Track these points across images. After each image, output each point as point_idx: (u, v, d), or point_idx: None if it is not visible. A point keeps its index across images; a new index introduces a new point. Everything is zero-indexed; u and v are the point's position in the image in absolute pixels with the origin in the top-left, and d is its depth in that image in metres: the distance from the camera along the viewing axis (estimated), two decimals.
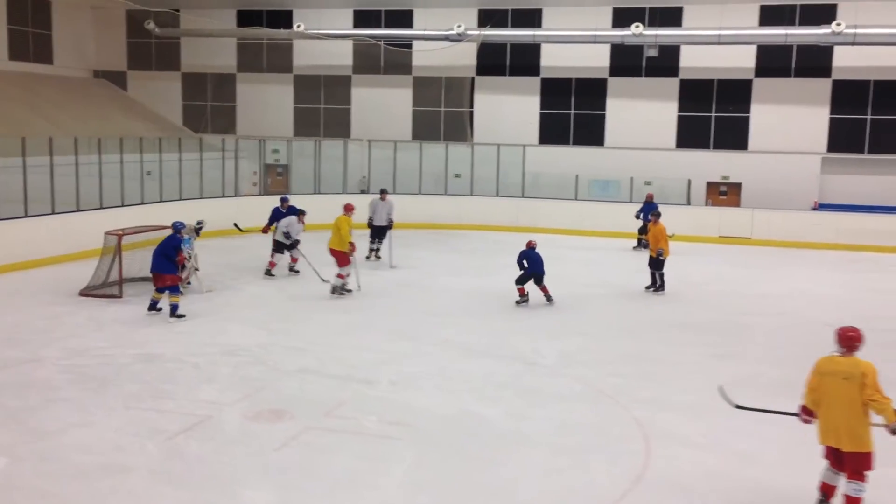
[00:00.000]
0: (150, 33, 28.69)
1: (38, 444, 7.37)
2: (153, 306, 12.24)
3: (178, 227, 12.49)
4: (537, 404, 8.80)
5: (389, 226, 17.68)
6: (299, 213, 15.78)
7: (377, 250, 17.75)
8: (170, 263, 12.01)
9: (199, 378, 9.47)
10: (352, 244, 13.52)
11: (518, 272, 13.62)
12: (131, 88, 29.62)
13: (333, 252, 13.72)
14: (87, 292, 13.48)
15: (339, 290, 13.61)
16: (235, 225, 13.38)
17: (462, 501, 6.52)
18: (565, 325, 12.47)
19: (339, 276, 13.60)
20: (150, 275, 12.29)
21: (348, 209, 14.11)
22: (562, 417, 8.42)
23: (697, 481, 6.97)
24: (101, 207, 17.55)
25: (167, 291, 12.05)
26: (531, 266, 13.55)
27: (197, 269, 14.12)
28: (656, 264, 15.00)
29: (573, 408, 8.73)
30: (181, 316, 11.98)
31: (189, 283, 13.93)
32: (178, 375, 9.51)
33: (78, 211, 17.11)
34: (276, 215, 15.97)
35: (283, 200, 16.51)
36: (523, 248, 13.79)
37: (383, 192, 18.35)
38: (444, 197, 24.27)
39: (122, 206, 18.01)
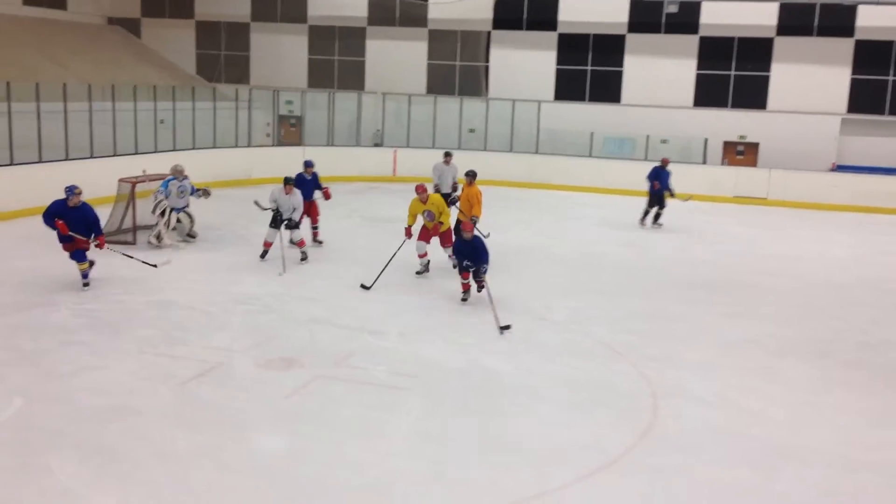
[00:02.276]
0: None
1: (52, 386, 7.47)
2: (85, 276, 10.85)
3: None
4: (547, 359, 8.83)
5: (454, 191, 15.36)
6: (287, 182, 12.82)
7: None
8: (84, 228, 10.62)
9: (212, 325, 9.55)
10: (408, 229, 12.04)
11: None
12: (145, 36, 29.42)
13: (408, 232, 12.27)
14: None
15: (423, 268, 12.42)
16: (256, 203, 12.70)
17: (469, 453, 6.58)
18: (577, 282, 12.46)
19: (420, 255, 12.37)
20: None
21: (420, 191, 12.10)
22: (571, 373, 8.45)
23: (704, 438, 7.01)
24: (115, 155, 17.55)
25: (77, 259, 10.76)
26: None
27: (169, 226, 13.49)
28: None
29: (582, 364, 8.76)
30: (86, 284, 10.79)
31: (157, 239, 13.37)
32: (190, 322, 9.59)
33: (91, 158, 17.12)
34: (300, 182, 13.67)
35: (308, 165, 14.35)
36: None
37: (448, 154, 16.11)
38: (458, 152, 24.06)
39: (136, 153, 18.00)
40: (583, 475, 6.27)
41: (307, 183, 13.97)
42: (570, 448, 6.72)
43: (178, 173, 13.51)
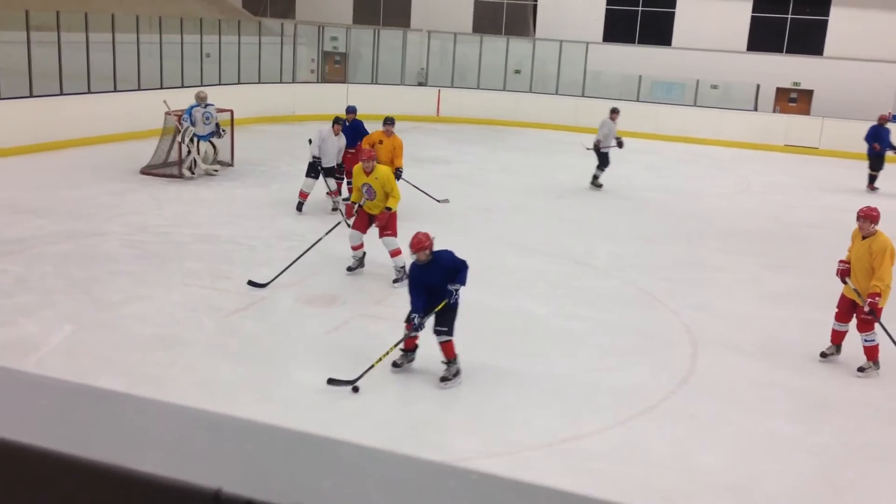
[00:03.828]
0: None
1: (101, 314, 7.66)
2: None
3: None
4: (587, 305, 8.82)
5: (620, 145, 15.12)
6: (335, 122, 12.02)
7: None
8: None
9: (255, 260, 9.67)
10: (349, 206, 9.69)
11: None
12: None
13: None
14: (147, 171, 13.72)
15: (356, 263, 9.61)
16: (310, 141, 12.00)
17: (506, 394, 6.64)
18: (620, 228, 12.35)
19: (353, 247, 9.74)
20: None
21: (365, 156, 9.22)
22: (610, 319, 8.44)
23: (743, 388, 6.98)
24: (162, 87, 17.65)
25: None
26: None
27: (190, 153, 13.42)
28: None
29: (623, 310, 8.73)
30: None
31: (190, 171, 13.41)
32: (234, 256, 9.72)
33: (139, 90, 17.24)
34: (343, 128, 12.17)
35: (349, 112, 12.71)
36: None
37: (615, 111, 15.59)
38: (503, 93, 23.83)
39: (182, 87, 18.07)
40: (619, 420, 6.29)
41: (349, 130, 12.37)
42: (607, 393, 6.74)
43: (201, 100, 13.45)
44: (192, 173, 13.54)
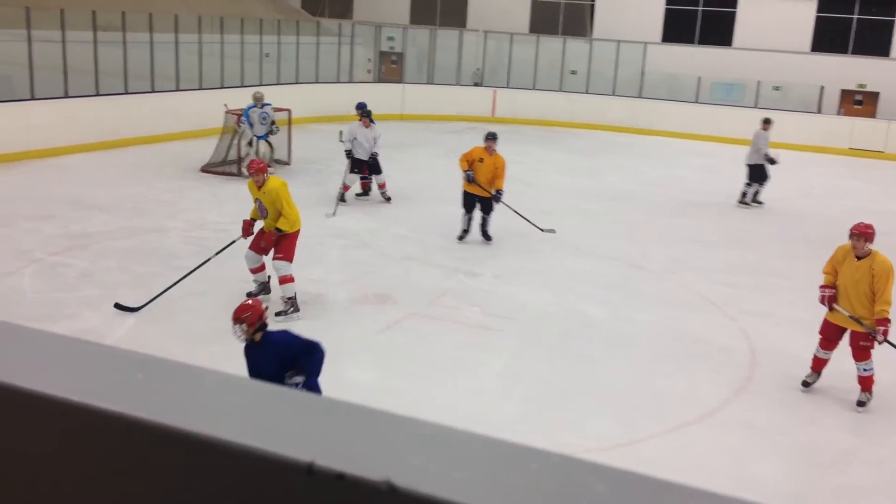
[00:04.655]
0: None
1: (161, 308, 7.83)
2: None
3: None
4: (643, 308, 8.71)
5: (772, 162, 14.07)
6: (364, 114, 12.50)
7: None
8: None
9: (309, 258, 9.76)
10: (246, 224, 8.22)
11: None
12: None
13: None
14: (207, 169, 13.98)
15: (259, 289, 8.59)
16: (341, 133, 12.56)
17: (559, 396, 6.60)
18: (677, 232, 12.16)
19: (252, 270, 8.61)
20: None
21: (253, 169, 8.21)
22: (667, 323, 8.32)
23: (801, 397, 6.82)
24: (222, 87, 17.96)
25: None
26: None
27: (258, 154, 13.58)
28: (487, 207, 10.65)
29: (679, 314, 8.60)
30: None
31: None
32: None
33: (201, 89, 17.57)
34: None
35: (360, 108, 12.99)
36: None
37: (767, 121, 14.37)
38: (559, 93, 23.68)
39: (242, 86, 18.37)
40: (673, 427, 6.20)
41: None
42: (661, 398, 6.65)
43: (257, 100, 13.69)
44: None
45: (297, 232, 8.02)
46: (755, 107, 22.25)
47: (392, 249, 10.30)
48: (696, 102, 22.92)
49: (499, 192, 10.42)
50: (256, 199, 8.04)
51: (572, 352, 7.48)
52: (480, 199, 10.52)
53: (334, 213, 11.68)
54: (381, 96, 21.09)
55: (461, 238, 10.63)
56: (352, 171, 12.36)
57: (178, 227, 10.60)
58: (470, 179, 10.35)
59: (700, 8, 25.11)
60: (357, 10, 28.88)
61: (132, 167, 14.07)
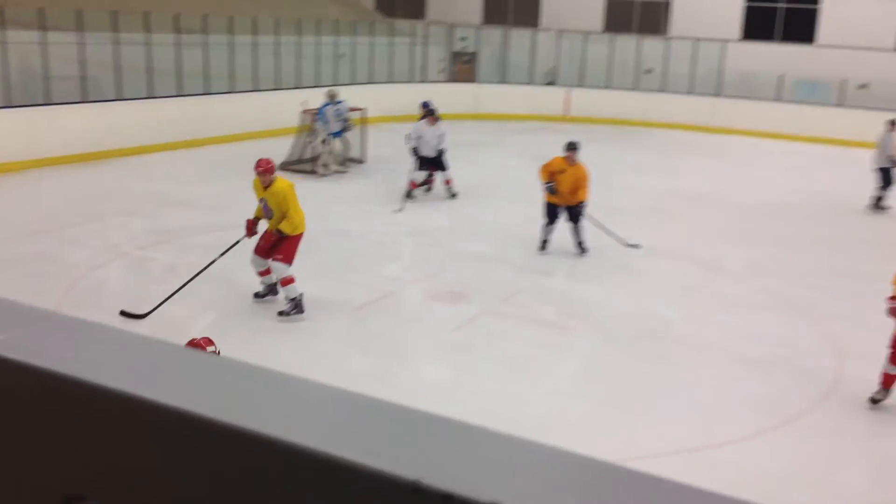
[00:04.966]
0: None
1: (240, 303, 8.01)
2: None
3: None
4: (720, 310, 8.50)
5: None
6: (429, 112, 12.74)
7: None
8: None
9: (384, 255, 9.86)
10: (250, 223, 8.10)
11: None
12: None
13: None
14: (284, 167, 14.23)
15: (265, 291, 8.37)
16: (407, 136, 12.85)
17: (634, 398, 6.49)
18: (758, 233, 11.83)
19: (259, 273, 8.37)
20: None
21: (261, 169, 7.87)
22: (745, 326, 8.10)
23: (890, 405, 6.54)
24: (299, 87, 18.26)
25: None
26: None
27: (333, 152, 14.01)
28: (574, 215, 10.07)
29: (760, 317, 8.36)
30: None
31: (324, 167, 13.93)
32: (364, 251, 9.94)
33: (278, 89, 17.91)
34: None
35: (425, 106, 13.18)
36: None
37: (894, 122, 13.64)
38: (633, 93, 23.33)
39: (317, 86, 18.64)
40: (753, 432, 6.03)
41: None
42: (741, 403, 6.48)
43: (331, 97, 13.89)
44: (326, 171, 13.98)
45: (300, 235, 7.76)
46: (840, 105, 21.54)
47: (466, 247, 10.30)
48: (778, 101, 22.28)
49: (581, 204, 9.92)
50: (261, 199, 7.78)
51: (648, 354, 7.35)
52: (567, 208, 10.01)
53: (401, 209, 11.86)
54: (454, 96, 21.13)
55: (542, 248, 10.12)
56: (418, 169, 12.57)
57: None
58: (551, 191, 9.92)
59: (781, 5, 24.41)
60: (430, 11, 28.99)
61: (212, 165, 14.42)
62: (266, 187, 7.70)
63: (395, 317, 7.95)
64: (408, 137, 12.73)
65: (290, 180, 7.95)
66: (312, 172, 13.95)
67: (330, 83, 18.94)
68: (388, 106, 20.09)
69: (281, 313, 7.66)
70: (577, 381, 6.82)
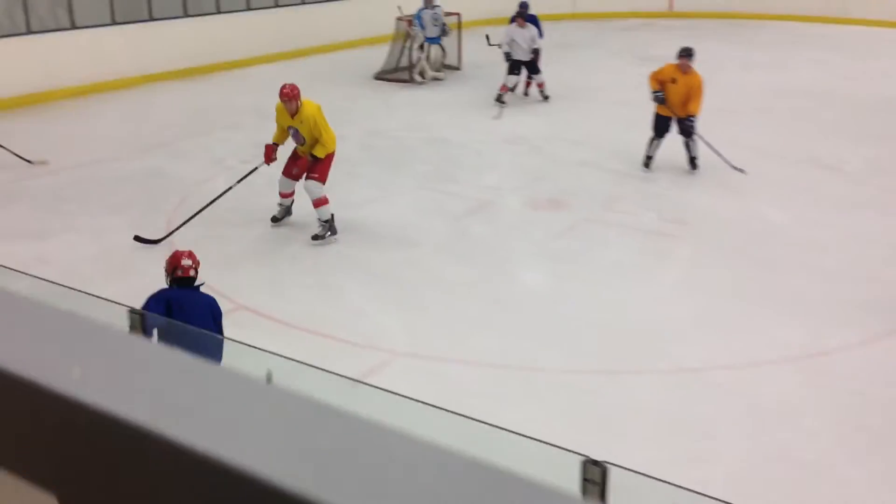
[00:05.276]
0: None
1: (343, 214, 8.10)
2: None
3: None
4: (834, 213, 8.13)
5: None
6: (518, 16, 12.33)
7: None
8: None
9: (482, 164, 9.80)
10: (269, 148, 7.74)
11: None
12: None
13: None
14: (380, 76, 14.21)
15: (282, 213, 8.09)
16: (487, 38, 12.56)
17: (740, 304, 6.34)
18: (878, 130, 11.06)
19: (283, 195, 8.08)
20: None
21: (286, 95, 7.50)
22: (861, 228, 7.73)
23: None
24: None
25: None
26: None
27: (429, 59, 13.84)
28: (687, 129, 9.19)
29: (878, 219, 7.95)
30: None
31: (421, 77, 13.78)
32: (462, 160, 9.91)
33: None
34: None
35: (522, 7, 12.65)
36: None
37: None
38: None
39: None
40: (869, 337, 5.83)
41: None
42: (856, 308, 6.24)
43: (428, 2, 13.63)
44: (423, 78, 13.86)
45: (332, 154, 7.52)
46: None
47: (564, 154, 10.13)
48: None
49: (690, 117, 9.00)
50: (290, 127, 7.46)
51: (754, 258, 7.13)
52: (678, 120, 9.16)
53: (498, 116, 11.69)
54: None
55: (646, 165, 9.32)
56: (510, 73, 12.30)
57: (353, 135, 10.89)
58: (660, 101, 9.07)
59: None
60: None
61: (310, 76, 14.46)
62: (294, 115, 7.35)
63: (494, 226, 7.95)
64: (488, 39, 12.54)
65: (316, 102, 7.50)
66: (409, 80, 13.87)
67: None
68: (484, 9, 19.58)
69: (315, 237, 7.37)
70: (680, 288, 6.70)
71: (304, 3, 16.33)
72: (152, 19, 13.79)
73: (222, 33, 14.69)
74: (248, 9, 15.32)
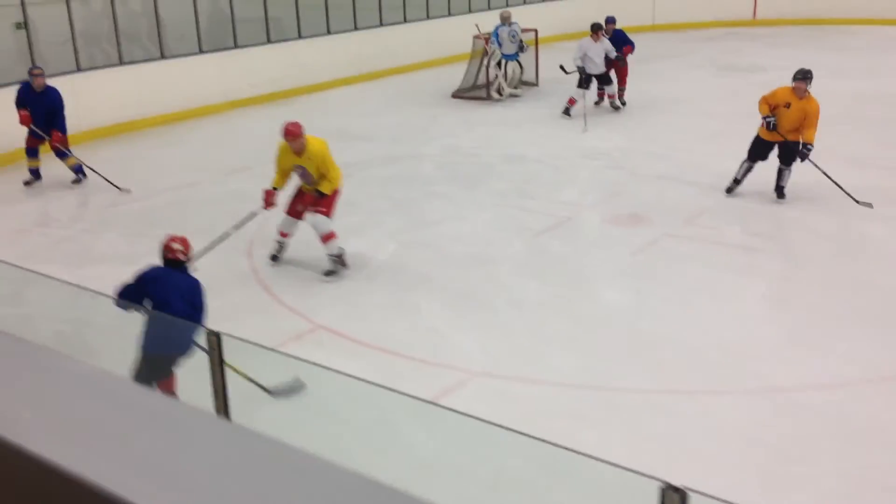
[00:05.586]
0: None
1: (420, 233, 8.20)
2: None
3: None
4: None
5: None
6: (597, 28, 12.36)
7: None
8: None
9: (560, 180, 9.72)
10: (268, 194, 7.39)
11: None
12: None
13: None
14: (458, 94, 14.28)
15: (278, 250, 7.78)
16: (561, 67, 12.43)
17: (831, 323, 6.09)
18: None
19: (282, 234, 7.77)
20: None
21: (289, 133, 7.21)
22: None
23: None
24: (470, 11, 18.10)
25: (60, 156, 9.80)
26: None
27: (507, 77, 13.88)
28: (788, 156, 8.60)
29: None
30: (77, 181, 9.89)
31: (499, 93, 13.83)
32: (540, 176, 9.85)
33: (449, 15, 17.84)
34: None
35: (609, 22, 12.77)
36: None
37: None
38: None
39: (489, 9, 18.40)
40: None
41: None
42: None
43: (505, 19, 13.65)
44: (500, 95, 13.88)
45: (338, 190, 7.26)
46: None
47: (644, 168, 9.96)
48: None
49: (807, 146, 8.35)
50: (297, 167, 7.11)
51: (845, 273, 6.85)
52: (781, 144, 8.57)
53: (585, 128, 11.68)
54: (629, 7, 20.15)
55: (730, 191, 8.81)
56: (579, 87, 12.30)
57: (432, 154, 10.98)
58: (771, 127, 8.44)
59: None
60: None
61: (388, 97, 14.70)
62: (300, 153, 7.04)
63: (573, 242, 7.86)
64: (563, 69, 12.49)
65: (320, 137, 7.26)
66: (487, 98, 13.90)
67: (501, 5, 18.63)
68: (561, 24, 19.52)
69: (328, 273, 7.14)
70: (767, 305, 6.49)
71: (382, 26, 16.58)
72: (237, 46, 14.22)
73: (303, 58, 15.03)
74: (328, 33, 15.64)
